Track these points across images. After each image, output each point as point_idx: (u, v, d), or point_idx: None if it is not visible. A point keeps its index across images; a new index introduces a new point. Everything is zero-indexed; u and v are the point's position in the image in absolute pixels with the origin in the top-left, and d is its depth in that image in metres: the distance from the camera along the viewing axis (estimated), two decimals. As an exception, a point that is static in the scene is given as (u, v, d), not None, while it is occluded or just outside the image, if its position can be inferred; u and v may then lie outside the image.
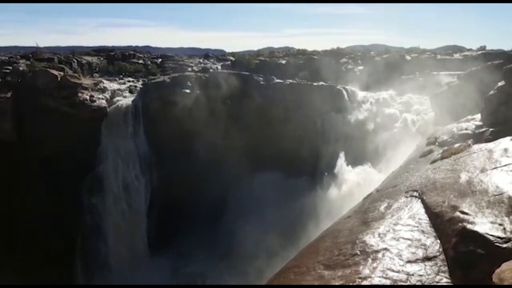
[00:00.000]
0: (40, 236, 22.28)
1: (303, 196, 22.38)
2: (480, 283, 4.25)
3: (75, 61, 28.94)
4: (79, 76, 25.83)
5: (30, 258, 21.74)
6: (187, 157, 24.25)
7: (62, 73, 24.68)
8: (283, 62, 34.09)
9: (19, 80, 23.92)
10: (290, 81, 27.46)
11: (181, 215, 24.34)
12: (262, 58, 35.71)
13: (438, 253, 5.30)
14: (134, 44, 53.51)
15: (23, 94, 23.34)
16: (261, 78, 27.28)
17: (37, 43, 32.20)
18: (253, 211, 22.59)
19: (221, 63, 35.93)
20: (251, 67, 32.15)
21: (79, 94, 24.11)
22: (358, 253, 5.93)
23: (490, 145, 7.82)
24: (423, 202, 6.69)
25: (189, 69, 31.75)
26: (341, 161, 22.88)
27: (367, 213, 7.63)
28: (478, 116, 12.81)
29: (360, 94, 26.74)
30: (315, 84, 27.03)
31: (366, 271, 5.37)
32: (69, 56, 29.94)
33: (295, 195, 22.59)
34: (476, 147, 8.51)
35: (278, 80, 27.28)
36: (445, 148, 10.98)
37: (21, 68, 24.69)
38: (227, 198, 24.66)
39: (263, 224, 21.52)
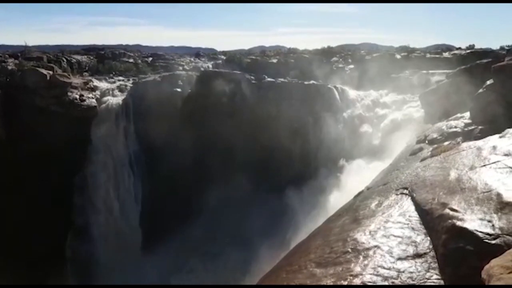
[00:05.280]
0: (30, 235, 22.08)
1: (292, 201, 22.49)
2: (469, 279, 4.30)
3: (65, 60, 28.68)
4: (69, 75, 25.63)
5: (19, 258, 21.52)
6: (178, 156, 24.16)
7: (51, 72, 24.45)
8: (274, 61, 34.15)
9: (8, 79, 23.67)
10: (282, 80, 27.48)
11: (173, 215, 24.25)
12: (254, 57, 35.77)
13: (428, 250, 5.35)
14: (124, 43, 53.20)
15: (12, 93, 23.10)
16: (252, 77, 27.28)
17: (25, 42, 31.91)
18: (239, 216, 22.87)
19: (212, 62, 35.91)
20: (243, 66, 32.19)
21: (69, 93, 23.94)
22: (350, 250, 5.96)
23: (479, 142, 7.88)
24: (413, 199, 6.74)
25: (180, 68, 31.68)
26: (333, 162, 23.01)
27: (358, 211, 7.67)
28: (467, 114, 12.90)
29: (351, 93, 26.83)
30: (306, 83, 27.08)
31: (357, 269, 5.40)
32: (58, 55, 29.67)
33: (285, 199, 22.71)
34: (465, 145, 8.58)
35: (269, 79, 27.29)
36: (435, 146, 11.06)
37: (9, 67, 24.42)
38: (217, 199, 24.60)
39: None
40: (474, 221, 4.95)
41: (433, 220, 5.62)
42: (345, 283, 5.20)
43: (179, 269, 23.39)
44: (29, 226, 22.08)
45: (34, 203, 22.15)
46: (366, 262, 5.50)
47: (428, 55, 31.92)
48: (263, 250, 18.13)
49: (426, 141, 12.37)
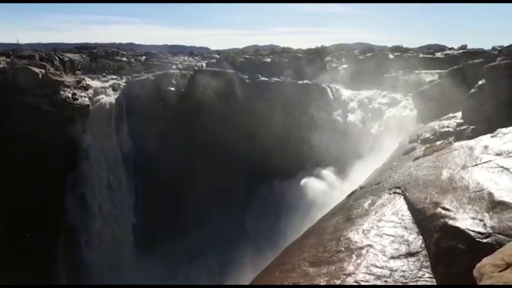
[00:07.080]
0: (23, 235, 21.91)
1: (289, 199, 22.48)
2: (461, 278, 4.32)
3: (57, 58, 28.48)
4: (61, 73, 25.47)
5: (12, 258, 21.36)
6: (172, 155, 24.08)
7: (43, 71, 24.28)
8: (268, 60, 34.13)
9: (-1, 78, 23.47)
10: (275, 79, 27.47)
11: (168, 215, 24.16)
12: (248, 56, 35.71)
13: (420, 249, 5.39)
14: (117, 42, 52.66)
15: (3, 92, 22.89)
16: (246, 76, 27.26)
17: (17, 40, 31.69)
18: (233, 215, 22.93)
19: (206, 61, 35.84)
20: (237, 65, 32.13)
21: (61, 92, 23.78)
22: (343, 249, 5.98)
23: (471, 142, 7.93)
24: (405, 198, 6.77)
25: (174, 66, 31.57)
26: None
27: (351, 210, 7.69)
28: (459, 114, 12.98)
29: (344, 93, 26.90)
30: (300, 82, 27.10)
31: (350, 268, 5.42)
32: (50, 53, 29.46)
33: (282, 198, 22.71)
34: (457, 144, 8.64)
35: (263, 78, 27.28)
36: (427, 145, 11.12)
37: (1, 66, 24.22)
38: (212, 199, 24.52)
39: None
40: (466, 220, 4.98)
41: (425, 219, 5.65)
42: (338, 282, 5.22)
43: (175, 271, 23.30)
44: (22, 225, 21.90)
45: (26, 203, 21.96)
46: (359, 261, 5.52)
47: (421, 55, 32.05)
48: (254, 251, 18.24)
49: (419, 141, 12.44)
